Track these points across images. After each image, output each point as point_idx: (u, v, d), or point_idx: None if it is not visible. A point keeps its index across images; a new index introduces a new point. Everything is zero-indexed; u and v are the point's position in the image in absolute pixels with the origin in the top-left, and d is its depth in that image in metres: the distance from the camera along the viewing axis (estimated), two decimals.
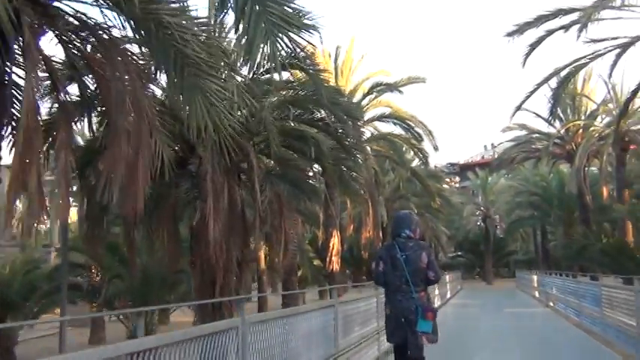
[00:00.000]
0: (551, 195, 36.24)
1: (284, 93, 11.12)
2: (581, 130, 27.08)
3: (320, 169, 13.05)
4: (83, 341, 15.62)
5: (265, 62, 10.65)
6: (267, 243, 12.48)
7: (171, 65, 5.35)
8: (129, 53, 6.39)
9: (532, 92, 15.53)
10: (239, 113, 9.81)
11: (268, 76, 10.56)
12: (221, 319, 8.79)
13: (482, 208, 46.14)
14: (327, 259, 20.50)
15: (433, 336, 5.12)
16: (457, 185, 60.36)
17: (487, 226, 44.81)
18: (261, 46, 7.53)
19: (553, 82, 15.52)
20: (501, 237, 48.67)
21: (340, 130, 10.91)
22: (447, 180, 61.34)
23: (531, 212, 38.31)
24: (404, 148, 25.05)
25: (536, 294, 23.57)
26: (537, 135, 29.07)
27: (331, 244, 20.51)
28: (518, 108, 16.42)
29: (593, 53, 13.84)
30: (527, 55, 14.45)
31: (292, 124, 10.90)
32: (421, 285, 5.18)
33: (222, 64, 7.85)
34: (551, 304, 18.48)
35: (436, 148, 21.19)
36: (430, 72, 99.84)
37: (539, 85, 15.17)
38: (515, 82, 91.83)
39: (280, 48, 10.27)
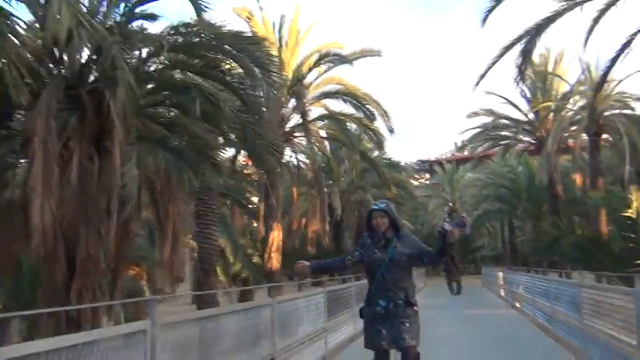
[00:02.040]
0: (520, 188, 34.34)
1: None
2: (552, 115, 25.10)
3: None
4: None
5: None
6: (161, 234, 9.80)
7: None
8: None
9: (501, 55, 13.09)
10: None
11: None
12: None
13: (449, 203, 44.08)
14: (266, 256, 17.93)
15: None
16: (428, 182, 58.74)
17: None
18: None
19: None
20: (468, 232, 46.76)
21: (241, 83, 8.25)
22: (417, 176, 60.06)
23: (499, 206, 36.39)
24: (361, 136, 22.67)
25: (502, 292, 21.34)
26: (505, 121, 26.97)
27: (270, 239, 17.93)
28: (483, 77, 14.06)
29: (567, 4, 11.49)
30: (490, 10, 12.08)
31: (177, 75, 8.19)
32: None
33: None
34: (518, 304, 16.20)
35: (392, 130, 18.68)
36: (394, 63, 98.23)
37: (508, 48, 12.76)
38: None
39: None
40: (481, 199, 37.70)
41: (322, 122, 19.36)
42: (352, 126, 25.07)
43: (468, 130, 27.73)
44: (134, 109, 6.99)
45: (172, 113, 8.64)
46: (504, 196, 35.13)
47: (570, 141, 25.05)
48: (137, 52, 8.16)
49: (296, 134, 19.12)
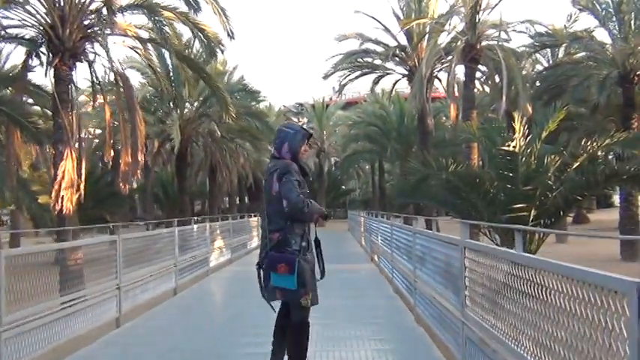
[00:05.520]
0: (391, 127, 32.05)
1: None
2: (425, 42, 22.28)
3: None
4: None
5: None
6: None
7: None
8: None
9: None
10: None
11: None
12: None
13: (317, 142, 41.07)
14: (54, 194, 13.15)
15: (293, 293, 3.78)
16: (305, 126, 55.89)
17: (320, 162, 39.97)
18: None
19: None
20: (338, 175, 44.63)
21: None
22: (295, 119, 57.10)
23: (369, 147, 34.03)
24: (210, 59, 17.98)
25: (363, 241, 18.55)
26: (376, 47, 23.68)
27: (61, 172, 13.13)
28: None
29: None
30: None
31: None
32: (279, 222, 3.85)
33: None
34: (376, 258, 13.19)
35: (231, 35, 14.28)
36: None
37: None
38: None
39: None
40: (351, 138, 35.19)
41: (132, 14, 14.35)
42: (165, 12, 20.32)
43: (335, 55, 24.12)
44: None
45: None
46: (374, 136, 32.76)
47: (442, 76, 22.70)
48: None
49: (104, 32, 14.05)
